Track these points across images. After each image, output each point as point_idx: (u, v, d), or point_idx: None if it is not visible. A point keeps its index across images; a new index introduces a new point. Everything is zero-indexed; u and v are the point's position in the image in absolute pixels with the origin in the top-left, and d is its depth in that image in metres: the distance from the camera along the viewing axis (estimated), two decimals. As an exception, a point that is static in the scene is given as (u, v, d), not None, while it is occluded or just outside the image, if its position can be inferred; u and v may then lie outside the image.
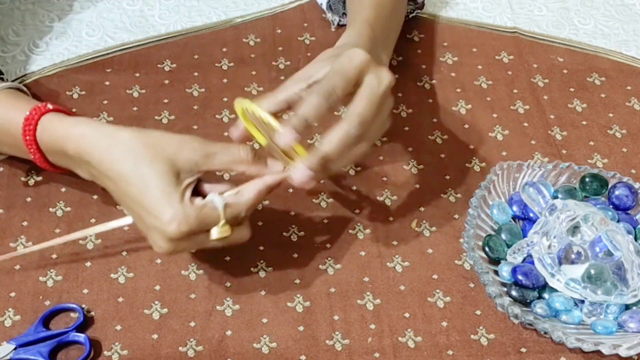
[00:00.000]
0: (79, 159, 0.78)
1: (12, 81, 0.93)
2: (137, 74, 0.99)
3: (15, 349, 0.76)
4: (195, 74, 1.00)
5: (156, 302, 0.81)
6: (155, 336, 0.78)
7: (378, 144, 0.92)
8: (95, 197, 0.87)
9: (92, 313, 0.80)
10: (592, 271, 0.79)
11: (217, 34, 1.04)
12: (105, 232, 0.84)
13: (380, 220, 0.87)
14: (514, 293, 0.80)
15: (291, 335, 0.79)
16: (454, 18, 1.08)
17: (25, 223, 0.86)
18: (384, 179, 0.91)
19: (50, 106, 0.81)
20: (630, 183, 0.88)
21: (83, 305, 0.79)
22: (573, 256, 0.80)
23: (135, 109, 0.96)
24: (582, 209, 0.82)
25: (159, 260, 0.83)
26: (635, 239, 0.84)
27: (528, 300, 0.80)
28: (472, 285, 0.83)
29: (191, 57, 1.01)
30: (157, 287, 0.82)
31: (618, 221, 0.85)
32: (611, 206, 0.87)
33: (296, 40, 1.04)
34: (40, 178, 0.89)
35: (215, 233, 0.75)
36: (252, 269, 0.83)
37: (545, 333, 0.79)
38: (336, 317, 0.80)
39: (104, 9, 1.06)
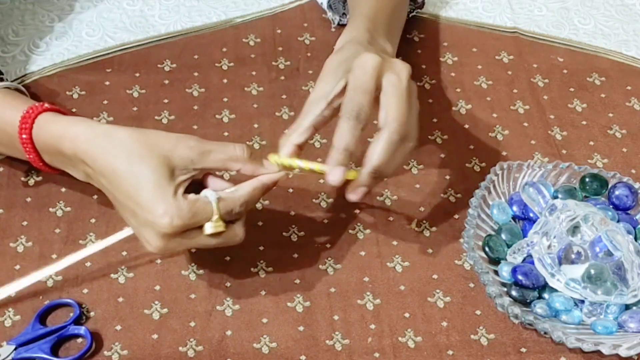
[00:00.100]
0: (74, 157, 0.78)
1: (12, 81, 0.93)
2: (137, 74, 0.99)
3: (15, 349, 0.76)
4: (195, 74, 1.00)
5: (156, 302, 0.81)
6: (155, 336, 0.78)
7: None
8: (95, 197, 0.87)
9: (92, 313, 0.80)
10: (592, 271, 0.79)
11: (217, 34, 1.04)
12: (105, 232, 0.84)
13: (380, 220, 0.87)
14: (514, 293, 0.80)
15: (291, 335, 0.79)
16: (454, 18, 1.08)
17: (25, 223, 0.86)
18: (379, 180, 0.90)
19: (47, 105, 0.81)
20: (630, 183, 0.88)
21: (80, 302, 0.79)
22: (573, 256, 0.80)
23: (135, 109, 0.96)
24: (582, 209, 0.82)
25: (159, 261, 0.83)
26: (635, 239, 0.84)
27: (528, 300, 0.80)
28: (472, 285, 0.83)
29: (191, 57, 1.01)
30: (157, 287, 0.82)
31: (618, 221, 0.85)
32: (611, 206, 0.87)
33: (296, 40, 1.04)
34: (40, 178, 0.89)
35: (209, 228, 0.75)
36: (252, 269, 0.83)
37: (545, 333, 0.79)
38: (336, 317, 0.80)
39: (104, 9, 1.06)
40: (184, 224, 0.73)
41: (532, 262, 0.82)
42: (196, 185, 0.77)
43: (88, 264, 0.82)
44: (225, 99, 0.97)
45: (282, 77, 1.00)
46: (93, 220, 0.86)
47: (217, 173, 0.80)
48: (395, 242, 0.86)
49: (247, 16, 1.06)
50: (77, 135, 0.78)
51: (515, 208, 0.87)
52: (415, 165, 0.92)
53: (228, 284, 0.82)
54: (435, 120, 0.96)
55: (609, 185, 0.88)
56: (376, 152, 0.75)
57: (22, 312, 0.79)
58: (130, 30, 1.04)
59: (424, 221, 0.87)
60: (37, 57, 1.00)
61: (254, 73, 1.00)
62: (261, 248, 0.84)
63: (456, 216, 0.88)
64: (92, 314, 0.80)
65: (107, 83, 0.98)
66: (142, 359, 0.77)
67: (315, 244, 0.85)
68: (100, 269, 0.82)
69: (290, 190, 0.89)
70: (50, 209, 0.87)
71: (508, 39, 1.05)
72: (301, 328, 0.79)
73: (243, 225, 0.77)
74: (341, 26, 1.04)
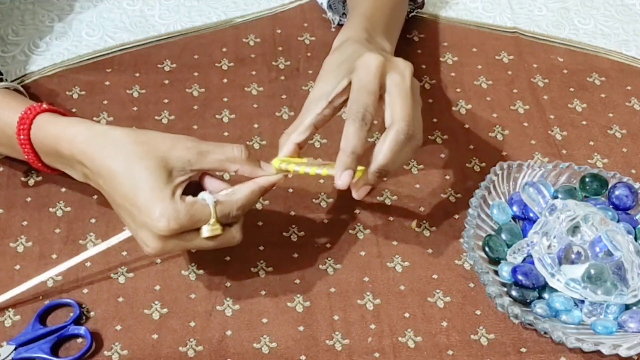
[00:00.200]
0: (72, 158, 0.78)
1: (12, 81, 0.93)
2: (137, 74, 0.99)
3: (15, 349, 0.76)
4: (195, 74, 1.00)
5: (156, 302, 0.81)
6: (155, 336, 0.78)
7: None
8: (95, 197, 0.87)
9: (92, 313, 0.80)
10: (592, 271, 0.79)
11: (217, 34, 1.04)
12: (105, 232, 0.84)
13: (380, 220, 0.87)
14: (514, 293, 0.80)
15: (291, 335, 0.79)
16: (454, 18, 1.08)
17: (25, 223, 0.86)
18: (384, 178, 0.90)
19: (45, 106, 0.81)
20: (630, 183, 0.88)
21: (80, 302, 0.79)
22: (573, 256, 0.80)
23: (135, 109, 0.96)
24: (582, 209, 0.82)
25: (159, 261, 0.83)
26: (635, 239, 0.84)
27: (528, 300, 0.80)
28: (472, 285, 0.83)
29: (191, 57, 1.01)
30: (157, 287, 0.82)
31: (618, 221, 0.85)
32: (611, 206, 0.86)
33: (296, 40, 1.04)
34: (40, 178, 0.89)
35: (206, 231, 0.75)
36: (252, 269, 0.83)
37: (545, 333, 0.79)
38: (336, 317, 0.80)
39: (104, 9, 1.06)
40: (181, 226, 0.73)
41: (532, 262, 0.82)
42: (193, 185, 0.77)
43: (88, 264, 0.82)
44: (225, 99, 0.97)
45: (282, 77, 1.00)
46: (93, 220, 0.86)
47: (217, 173, 0.80)
48: (395, 242, 0.86)
49: (247, 16, 1.06)
50: (74, 135, 0.78)
51: (515, 208, 0.87)
52: (415, 165, 0.92)
53: (228, 284, 0.82)
54: (435, 120, 0.96)
55: (609, 185, 0.88)
56: (383, 152, 0.75)
57: (22, 312, 0.79)
58: (130, 30, 1.04)
59: (424, 221, 0.87)
60: (37, 57, 1.00)
61: (254, 73, 1.00)
62: (261, 248, 0.84)
63: (456, 216, 0.88)
64: (92, 314, 0.80)
65: (107, 83, 0.98)
66: (142, 359, 0.77)
67: (315, 244, 0.85)
68: (101, 269, 0.82)
69: (290, 190, 0.89)
70: (50, 209, 0.87)
71: (508, 39, 1.05)
72: (301, 328, 0.79)
73: (240, 228, 0.77)
74: (341, 26, 1.04)
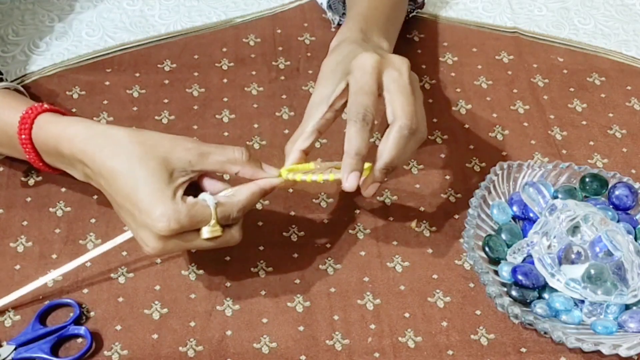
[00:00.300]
0: (72, 158, 0.78)
1: (12, 81, 0.93)
2: (137, 74, 0.99)
3: (15, 349, 0.76)
4: (195, 74, 1.00)
5: (156, 302, 0.81)
6: (155, 336, 0.78)
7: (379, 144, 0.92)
8: (95, 197, 0.87)
9: (92, 313, 0.80)
10: (592, 271, 0.79)
11: (217, 34, 1.04)
12: (105, 232, 0.84)
13: (380, 220, 0.87)
14: (514, 293, 0.80)
15: (291, 335, 0.79)
16: (454, 18, 1.08)
17: (25, 223, 0.86)
18: (384, 179, 0.90)
19: (46, 106, 0.81)
20: (630, 183, 0.88)
21: (80, 302, 0.79)
22: (573, 256, 0.80)
23: (135, 109, 0.96)
24: (582, 209, 0.82)
25: (159, 260, 0.83)
26: (635, 239, 0.84)
27: (528, 300, 0.80)
28: (472, 285, 0.83)
29: (191, 57, 1.01)
30: (157, 287, 0.82)
31: (618, 221, 0.85)
32: (611, 206, 0.87)
33: (296, 40, 1.04)
34: (40, 178, 0.89)
35: (206, 232, 0.75)
36: (252, 269, 0.83)
37: (545, 333, 0.79)
38: (336, 317, 0.80)
39: (104, 9, 1.06)
40: (182, 227, 0.73)
41: (532, 262, 0.82)
42: (193, 186, 0.77)
43: (88, 264, 0.82)
44: (225, 99, 0.97)
45: (282, 77, 1.00)
46: (93, 220, 0.86)
47: (217, 174, 0.80)
48: (395, 242, 0.86)
49: (247, 16, 1.06)
50: (75, 135, 0.78)
51: (515, 208, 0.87)
52: (415, 165, 0.92)
53: (228, 284, 0.82)
54: (435, 120, 0.96)
55: (609, 185, 0.88)
56: (388, 149, 0.75)
57: (22, 312, 0.79)
58: (130, 30, 1.04)
59: (424, 221, 0.87)
60: (37, 57, 1.00)
61: (254, 73, 1.00)
62: (261, 248, 0.84)
63: (456, 216, 0.88)
64: (92, 314, 0.80)
65: (107, 83, 0.98)
66: (142, 359, 0.77)
67: (315, 244, 0.85)
68: (101, 269, 0.82)
69: (290, 190, 0.89)
70: (50, 209, 0.87)
71: (508, 39, 1.05)
72: (301, 328, 0.79)
73: (240, 228, 0.77)
74: (341, 26, 1.04)
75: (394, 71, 0.76)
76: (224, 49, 1.02)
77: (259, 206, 0.87)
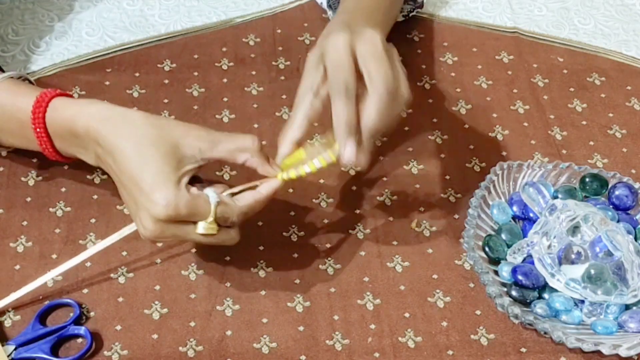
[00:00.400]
0: (86, 137, 0.78)
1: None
2: (137, 74, 0.99)
3: (15, 349, 0.76)
4: (195, 74, 1.00)
5: (156, 302, 0.81)
6: (155, 336, 0.78)
7: (378, 143, 0.92)
8: (95, 197, 0.87)
9: (92, 313, 0.80)
10: (592, 271, 0.79)
11: (217, 34, 1.04)
12: (105, 232, 0.84)
13: (380, 220, 0.87)
14: (514, 293, 0.80)
15: (291, 335, 0.79)
16: (454, 18, 1.08)
17: (25, 223, 0.86)
18: (384, 179, 0.91)
19: (59, 91, 0.81)
20: (630, 183, 0.88)
21: (80, 302, 0.79)
22: (573, 256, 0.80)
23: (135, 109, 0.96)
24: (582, 209, 0.82)
25: (158, 260, 0.83)
26: (635, 239, 0.84)
27: (528, 300, 0.80)
28: (472, 285, 0.83)
29: (191, 57, 1.01)
30: (157, 287, 0.82)
31: (618, 221, 0.85)
32: (611, 206, 0.87)
33: (296, 40, 1.04)
34: (40, 178, 0.89)
35: (202, 228, 0.75)
36: (252, 269, 0.83)
37: (545, 333, 0.79)
38: (336, 317, 0.80)
39: (104, 9, 1.06)
40: (178, 215, 0.73)
41: (532, 262, 0.82)
42: (197, 179, 0.77)
43: (88, 264, 0.82)
44: (225, 99, 0.97)
45: (282, 77, 1.00)
46: (93, 220, 0.86)
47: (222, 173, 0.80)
48: (395, 242, 0.86)
49: (247, 16, 1.06)
50: (92, 114, 0.78)
51: (515, 208, 0.87)
52: (415, 165, 0.92)
53: (228, 284, 0.82)
54: (435, 120, 0.96)
55: (609, 185, 0.88)
56: (370, 115, 0.75)
57: (22, 312, 0.79)
58: (130, 30, 1.04)
59: (424, 221, 0.87)
60: (37, 57, 1.00)
61: (254, 73, 1.00)
62: (261, 248, 0.84)
63: (456, 216, 0.88)
64: (92, 314, 0.80)
65: (107, 83, 0.98)
66: (142, 359, 0.77)
67: (315, 244, 0.85)
68: (101, 269, 0.82)
69: (290, 190, 0.89)
70: (50, 209, 0.87)
71: (508, 39, 1.05)
72: (301, 328, 0.79)
73: (238, 230, 0.78)
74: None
75: (367, 44, 0.76)
76: (224, 49, 1.02)
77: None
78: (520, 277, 0.80)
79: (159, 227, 0.74)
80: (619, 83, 1.01)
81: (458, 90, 1.00)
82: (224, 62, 1.01)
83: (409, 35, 1.05)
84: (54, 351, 0.76)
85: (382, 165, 0.91)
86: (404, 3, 1.02)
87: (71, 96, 0.83)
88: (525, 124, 0.96)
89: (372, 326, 0.80)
